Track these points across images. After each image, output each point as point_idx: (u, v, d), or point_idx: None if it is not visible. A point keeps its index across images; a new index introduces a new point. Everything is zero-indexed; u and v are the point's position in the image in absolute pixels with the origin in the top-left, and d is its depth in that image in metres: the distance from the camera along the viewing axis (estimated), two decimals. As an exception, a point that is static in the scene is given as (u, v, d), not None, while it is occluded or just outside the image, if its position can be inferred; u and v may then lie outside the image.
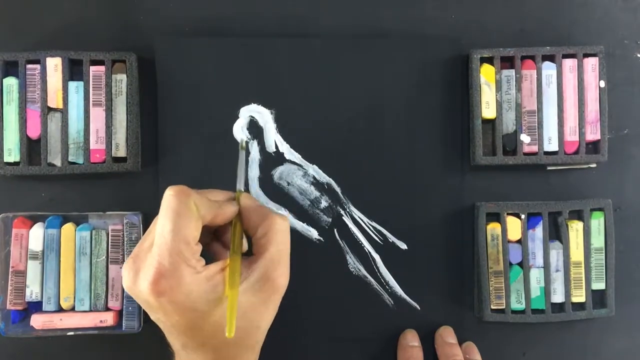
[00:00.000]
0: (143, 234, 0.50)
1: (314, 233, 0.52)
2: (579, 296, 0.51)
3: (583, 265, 0.51)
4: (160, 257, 0.34)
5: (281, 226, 0.39)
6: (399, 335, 0.52)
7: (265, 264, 0.37)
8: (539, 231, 0.51)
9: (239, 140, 0.51)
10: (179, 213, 0.35)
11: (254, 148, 0.52)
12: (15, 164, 0.50)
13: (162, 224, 0.35)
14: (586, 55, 0.51)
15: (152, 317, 0.37)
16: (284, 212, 0.51)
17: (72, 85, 0.50)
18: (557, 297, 0.51)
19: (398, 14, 0.53)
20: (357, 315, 0.52)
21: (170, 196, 0.36)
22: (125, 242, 0.50)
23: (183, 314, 0.35)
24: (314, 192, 0.52)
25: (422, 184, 0.52)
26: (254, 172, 0.52)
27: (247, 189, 0.51)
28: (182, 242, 0.35)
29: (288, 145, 0.52)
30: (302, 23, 0.53)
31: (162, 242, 0.34)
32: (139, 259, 0.36)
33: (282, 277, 0.38)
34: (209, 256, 0.40)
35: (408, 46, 0.52)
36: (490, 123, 0.52)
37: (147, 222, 0.51)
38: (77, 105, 0.50)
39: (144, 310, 0.49)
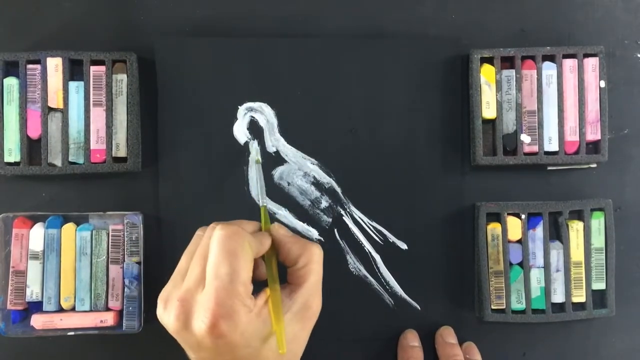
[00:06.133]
0: (143, 234, 0.50)
1: (314, 233, 0.52)
2: (579, 296, 0.51)
3: (583, 265, 0.51)
4: (217, 299, 0.34)
5: (319, 257, 0.40)
6: (399, 336, 0.52)
7: (306, 294, 0.39)
8: (539, 231, 0.51)
9: (253, 152, 0.51)
10: (236, 255, 0.35)
11: (254, 148, 0.52)
12: (16, 164, 0.50)
13: (217, 265, 0.35)
14: (586, 56, 0.51)
15: (197, 356, 0.37)
16: (283, 212, 0.52)
17: (73, 85, 0.50)
18: (558, 297, 0.51)
19: (398, 14, 0.53)
20: (358, 315, 0.52)
21: (224, 237, 0.36)
22: (125, 242, 0.50)
23: (236, 351, 0.35)
24: (315, 192, 0.52)
25: (422, 184, 0.52)
26: (254, 172, 0.52)
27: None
28: (240, 284, 0.35)
29: (289, 145, 0.52)
30: (302, 23, 0.53)
31: (219, 285, 0.35)
32: (186, 302, 0.36)
33: (318, 304, 0.39)
34: None
35: (408, 46, 0.52)
36: (490, 123, 0.52)
37: (147, 222, 0.51)
38: (78, 105, 0.50)
39: (144, 310, 0.50)
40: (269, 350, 0.36)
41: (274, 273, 0.39)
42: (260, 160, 0.43)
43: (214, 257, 0.35)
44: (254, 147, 0.42)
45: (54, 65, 0.50)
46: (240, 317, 0.35)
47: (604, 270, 0.51)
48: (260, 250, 0.38)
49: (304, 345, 0.40)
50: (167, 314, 0.36)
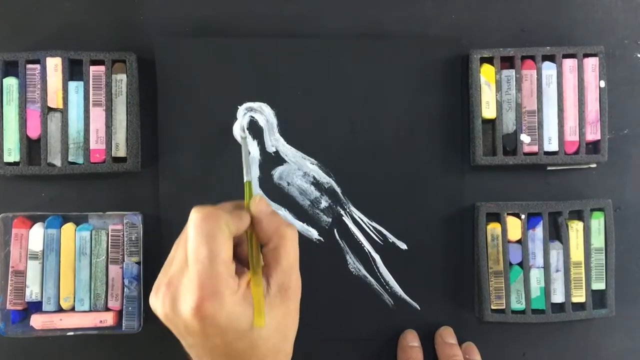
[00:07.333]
0: (142, 234, 0.50)
1: (314, 233, 0.52)
2: (579, 296, 0.51)
3: (583, 265, 0.51)
4: (200, 281, 0.34)
5: (292, 239, 0.39)
6: (399, 336, 0.52)
7: (281, 276, 0.38)
8: (539, 231, 0.51)
9: (236, 133, 0.51)
10: (213, 237, 0.35)
11: (254, 148, 0.52)
12: (15, 164, 0.50)
13: (196, 248, 0.35)
14: (586, 55, 0.51)
15: (187, 343, 0.37)
16: (283, 212, 0.52)
17: (72, 85, 0.50)
18: (557, 297, 0.51)
19: (398, 14, 0.53)
20: (357, 316, 0.52)
21: (200, 220, 0.35)
22: (125, 242, 0.50)
23: (225, 335, 0.35)
24: (314, 192, 0.52)
25: (422, 184, 0.52)
26: (254, 173, 0.52)
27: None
28: (220, 264, 0.35)
29: (289, 145, 0.52)
30: (302, 23, 0.53)
31: (200, 268, 0.34)
32: (173, 285, 0.35)
33: (297, 283, 0.39)
34: None
35: (408, 46, 0.52)
36: (490, 123, 0.52)
37: (147, 222, 0.51)
38: (77, 105, 0.50)
39: (144, 310, 0.50)
40: (259, 336, 0.36)
41: (254, 252, 0.38)
42: (243, 135, 0.42)
43: (192, 241, 0.35)
44: (234, 126, 0.40)
45: (54, 65, 0.50)
46: (225, 298, 0.34)
47: (604, 271, 0.51)
48: (239, 227, 0.37)
49: (294, 328, 0.39)
50: (156, 300, 0.36)
